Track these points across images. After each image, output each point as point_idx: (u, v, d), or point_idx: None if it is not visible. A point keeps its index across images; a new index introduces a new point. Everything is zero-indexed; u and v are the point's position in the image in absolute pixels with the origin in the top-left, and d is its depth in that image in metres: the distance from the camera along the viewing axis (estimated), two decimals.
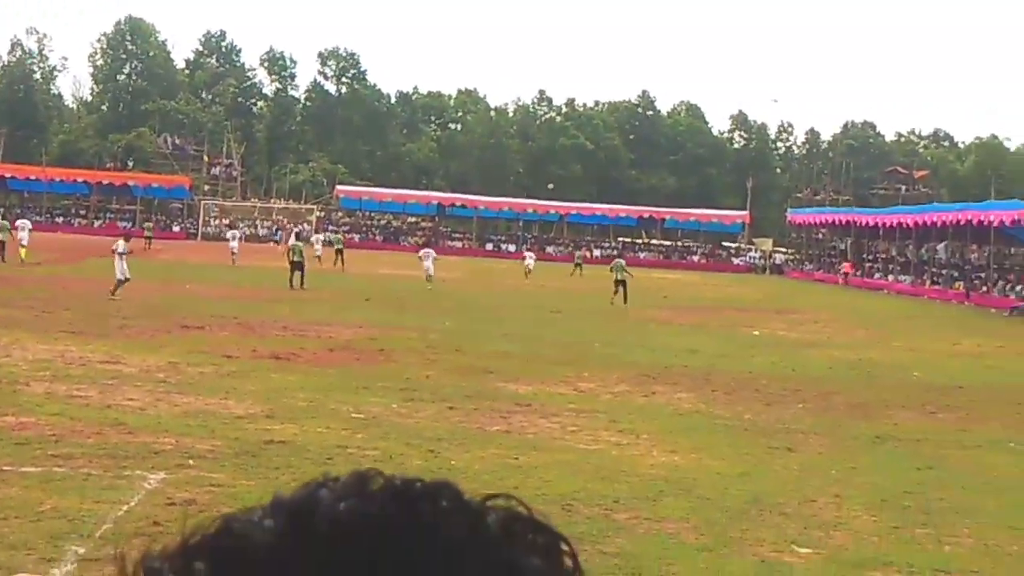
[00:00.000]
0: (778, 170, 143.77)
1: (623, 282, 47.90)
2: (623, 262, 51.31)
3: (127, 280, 36.58)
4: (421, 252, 57.53)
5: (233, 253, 64.59)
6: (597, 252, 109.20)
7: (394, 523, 0.77)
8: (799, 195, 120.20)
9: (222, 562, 0.76)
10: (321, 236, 75.91)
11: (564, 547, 0.82)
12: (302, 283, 45.13)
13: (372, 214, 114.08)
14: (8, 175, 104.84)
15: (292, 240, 55.98)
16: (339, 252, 63.68)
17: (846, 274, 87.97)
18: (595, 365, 25.71)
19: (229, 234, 73.60)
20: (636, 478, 14.66)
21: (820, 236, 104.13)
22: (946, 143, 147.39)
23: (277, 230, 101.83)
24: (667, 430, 18.32)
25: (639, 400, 21.50)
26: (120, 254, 37.16)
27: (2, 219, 53.95)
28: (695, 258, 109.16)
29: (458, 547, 0.76)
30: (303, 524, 0.77)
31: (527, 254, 76.94)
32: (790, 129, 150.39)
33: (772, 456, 16.80)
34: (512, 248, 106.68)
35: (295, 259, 46.05)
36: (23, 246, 51.87)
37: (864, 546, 12.20)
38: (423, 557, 0.75)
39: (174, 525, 9.51)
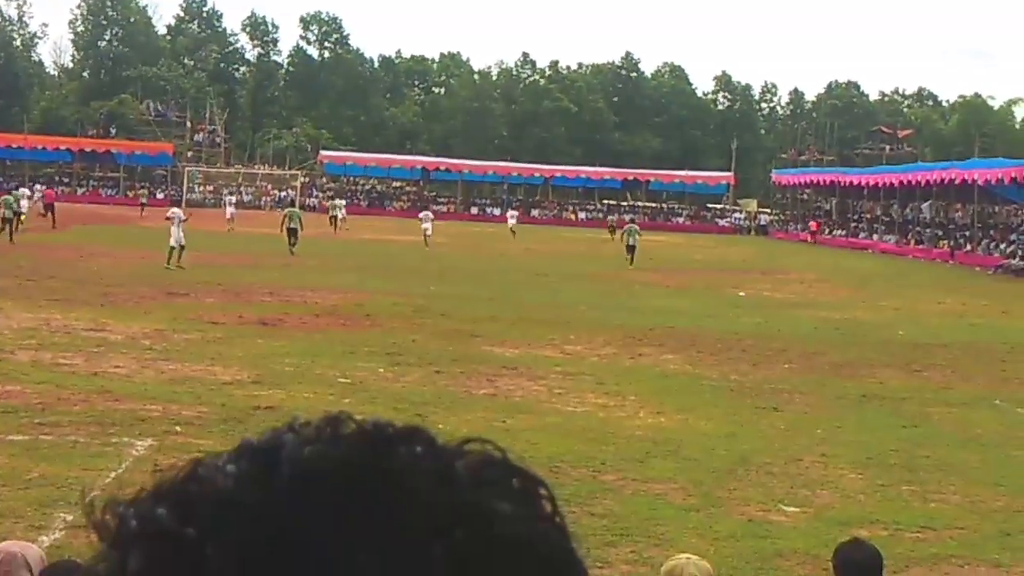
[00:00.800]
0: (762, 131, 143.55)
1: (633, 247, 49.74)
2: (636, 227, 53.39)
3: (183, 248, 36.85)
4: (421, 215, 61.43)
5: (230, 219, 64.72)
6: (582, 215, 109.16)
7: (360, 468, 0.76)
8: (783, 156, 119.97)
9: (183, 507, 0.75)
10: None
11: (542, 491, 0.81)
12: (293, 247, 45.66)
13: (356, 179, 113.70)
14: None
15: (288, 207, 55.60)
16: (332, 219, 62.44)
17: (813, 232, 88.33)
18: (581, 327, 25.74)
19: (226, 199, 75.06)
20: (623, 440, 14.72)
21: (805, 196, 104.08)
22: (930, 102, 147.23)
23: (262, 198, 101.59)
24: (654, 391, 18.38)
25: (626, 362, 21.55)
26: (181, 220, 37.69)
27: (10, 194, 51.80)
28: (680, 220, 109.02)
29: (425, 492, 0.76)
30: (266, 468, 0.76)
31: (510, 213, 79.49)
32: (774, 90, 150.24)
33: (758, 416, 16.87)
34: (497, 212, 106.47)
35: (292, 225, 46.88)
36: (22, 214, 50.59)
37: (850, 504, 12.28)
38: (388, 502, 0.74)
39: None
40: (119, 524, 0.77)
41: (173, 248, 36.77)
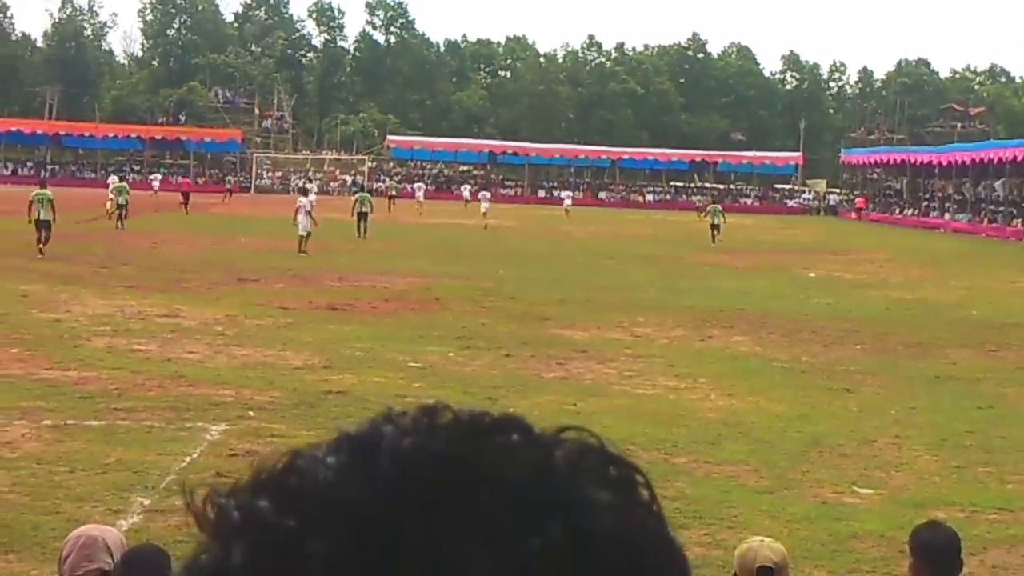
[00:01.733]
0: (831, 110, 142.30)
1: (717, 226, 51.80)
2: (720, 207, 55.61)
3: (309, 235, 38.01)
4: (480, 195, 66.22)
5: (312, 204, 64.92)
6: (650, 196, 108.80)
7: (458, 459, 0.76)
8: (853, 135, 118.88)
9: (285, 499, 0.76)
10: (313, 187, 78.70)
11: (639, 479, 0.80)
12: (366, 232, 46.38)
13: (424, 163, 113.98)
14: (62, 132, 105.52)
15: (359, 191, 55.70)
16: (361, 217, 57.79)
17: (860, 209, 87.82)
18: (650, 310, 25.67)
19: (309, 185, 78.86)
20: (694, 422, 14.68)
21: (875, 176, 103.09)
22: (1003, 78, 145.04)
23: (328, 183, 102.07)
24: (724, 373, 18.30)
25: (695, 344, 21.47)
26: (308, 211, 38.83)
27: (120, 180, 53.22)
28: (748, 201, 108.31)
29: (524, 483, 0.75)
30: (366, 461, 0.76)
31: (565, 194, 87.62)
32: (843, 68, 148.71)
33: (830, 397, 16.76)
34: (564, 195, 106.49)
35: (363, 210, 47.59)
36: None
37: (925, 486, 12.17)
38: (486, 494, 0.75)
39: (237, 476, 9.66)
40: (220, 515, 0.77)
41: (303, 236, 37.88)
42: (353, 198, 52.34)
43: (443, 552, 0.73)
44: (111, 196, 49.42)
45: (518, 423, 0.80)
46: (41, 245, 32.83)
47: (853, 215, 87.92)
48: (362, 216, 47.20)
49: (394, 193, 76.65)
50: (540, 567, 0.73)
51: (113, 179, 55.60)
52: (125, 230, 44.57)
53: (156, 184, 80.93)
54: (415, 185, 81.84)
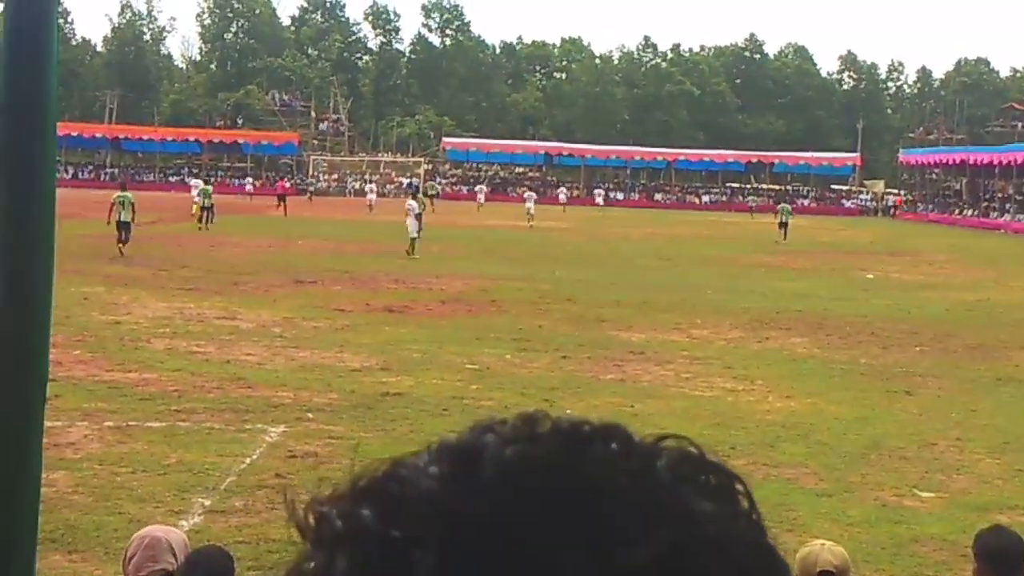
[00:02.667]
0: (889, 110, 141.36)
1: (786, 224, 56.05)
2: (789, 207, 61.69)
3: (417, 237, 38.75)
4: (525, 195, 68.08)
5: (371, 204, 71.39)
6: (706, 198, 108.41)
7: (561, 468, 0.75)
8: (911, 135, 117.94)
9: (388, 508, 0.76)
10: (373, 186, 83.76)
11: (739, 487, 0.80)
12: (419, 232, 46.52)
13: (479, 165, 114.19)
14: (122, 136, 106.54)
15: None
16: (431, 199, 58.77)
17: (895, 207, 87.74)
18: (707, 312, 25.58)
19: (367, 187, 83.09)
20: (753, 424, 14.61)
21: (933, 176, 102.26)
22: None
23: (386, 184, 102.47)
24: (782, 375, 18.21)
25: (753, 346, 21.37)
26: (417, 214, 39.75)
27: (206, 184, 54.79)
28: (805, 202, 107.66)
29: (627, 492, 0.75)
30: (469, 470, 0.76)
31: (597, 192, 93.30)
32: (901, 68, 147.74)
33: (890, 400, 16.63)
34: (620, 196, 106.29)
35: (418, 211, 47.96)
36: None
37: (987, 489, 12.05)
38: (590, 505, 0.74)
39: (296, 477, 9.66)
40: (322, 523, 0.78)
41: (413, 239, 38.59)
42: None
43: (549, 563, 0.72)
44: (195, 199, 51.24)
45: (618, 431, 0.79)
46: (121, 245, 34.10)
47: (893, 213, 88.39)
48: (417, 217, 47.53)
49: (433, 193, 78.00)
50: None
51: (198, 183, 57.43)
52: (210, 232, 46.14)
53: (249, 187, 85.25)
54: (477, 188, 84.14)
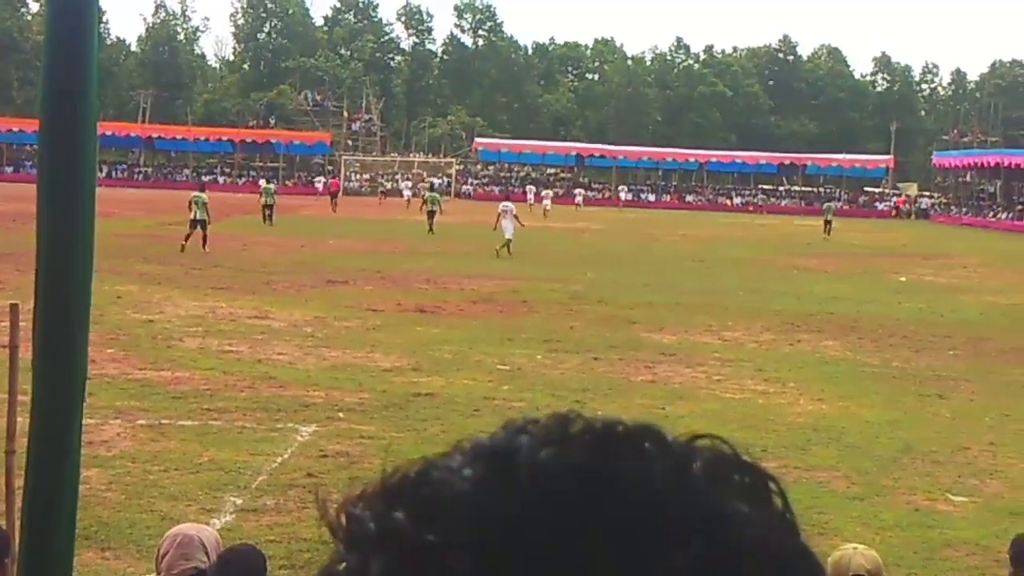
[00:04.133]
0: (923, 113, 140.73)
1: (830, 222, 61.73)
2: (834, 206, 69.90)
3: (512, 239, 39.84)
4: (542, 193, 64.77)
5: (408, 200, 75.66)
6: (738, 200, 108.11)
7: (596, 470, 0.75)
8: (945, 138, 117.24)
9: (421, 510, 0.75)
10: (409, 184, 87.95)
11: (773, 488, 0.79)
12: (432, 229, 50.26)
13: (511, 166, 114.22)
14: (155, 135, 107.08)
15: (427, 191, 58.86)
16: (430, 215, 53.96)
17: (898, 207, 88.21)
18: (739, 314, 25.51)
19: (403, 185, 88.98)
20: (784, 427, 14.56)
21: (967, 179, 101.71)
22: None
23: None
24: (814, 378, 18.14)
25: (785, 348, 21.31)
26: (514, 215, 41.10)
27: (268, 183, 59.54)
28: (838, 204, 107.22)
29: (663, 495, 0.74)
30: (503, 472, 0.76)
31: (621, 191, 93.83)
32: (935, 70, 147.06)
33: (923, 404, 16.55)
34: (652, 198, 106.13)
35: (431, 208, 52.36)
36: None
37: (1021, 494, 11.98)
38: (626, 506, 0.74)
39: (328, 477, 9.67)
40: (355, 525, 0.77)
41: (508, 240, 39.66)
42: (424, 198, 56.61)
43: (587, 568, 0.72)
44: (261, 199, 54.60)
45: (652, 432, 0.79)
46: (185, 242, 36.16)
47: (892, 214, 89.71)
48: (430, 214, 51.64)
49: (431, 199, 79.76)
50: None
51: (262, 182, 62.55)
52: (274, 227, 49.85)
53: (320, 186, 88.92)
54: (543, 192, 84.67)
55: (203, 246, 36.11)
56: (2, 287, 24.22)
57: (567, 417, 0.80)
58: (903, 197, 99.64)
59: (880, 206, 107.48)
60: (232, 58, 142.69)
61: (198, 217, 37.04)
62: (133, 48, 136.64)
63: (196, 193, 38.59)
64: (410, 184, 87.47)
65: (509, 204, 41.91)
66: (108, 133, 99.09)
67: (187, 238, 36.43)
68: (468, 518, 0.74)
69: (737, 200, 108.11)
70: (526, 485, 0.75)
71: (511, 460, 0.77)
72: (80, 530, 3.34)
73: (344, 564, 0.78)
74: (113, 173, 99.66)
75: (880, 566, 5.58)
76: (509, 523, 0.73)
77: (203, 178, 61.94)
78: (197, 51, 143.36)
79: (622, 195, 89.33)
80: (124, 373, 16.12)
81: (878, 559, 5.62)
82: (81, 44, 2.62)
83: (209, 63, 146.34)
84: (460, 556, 0.72)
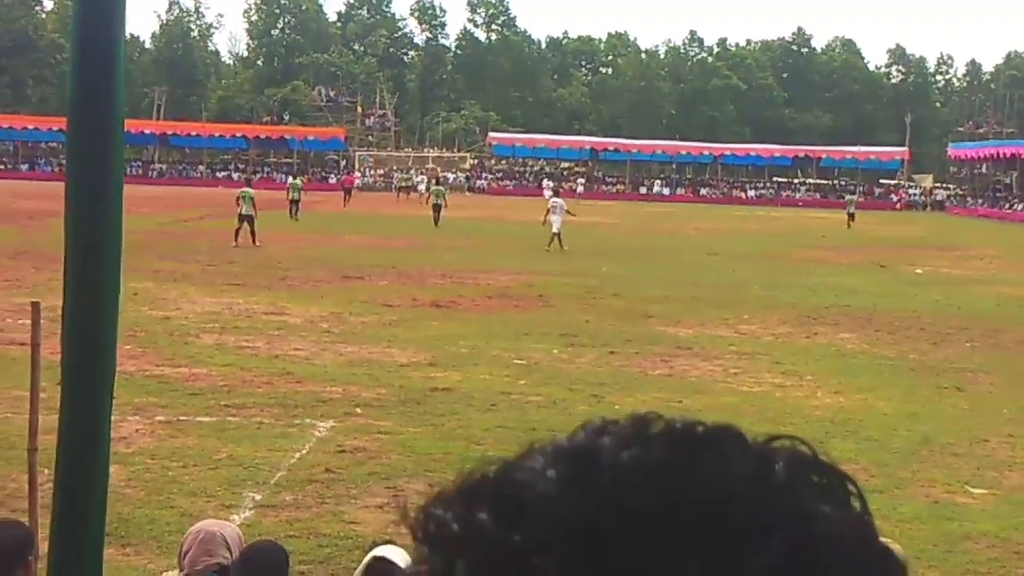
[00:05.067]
0: (938, 104, 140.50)
1: (852, 214, 65.09)
2: (855, 198, 72.85)
3: (559, 233, 40.27)
4: (549, 202, 47.98)
5: (422, 194, 77.16)
6: (752, 193, 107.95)
7: (679, 472, 0.75)
8: (960, 129, 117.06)
9: (506, 511, 0.75)
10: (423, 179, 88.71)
11: (852, 488, 0.79)
12: (438, 222, 50.68)
13: (525, 160, 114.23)
14: (170, 132, 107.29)
15: (433, 185, 59.00)
16: (436, 208, 53.93)
17: (900, 198, 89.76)
18: (755, 307, 25.48)
19: (418, 179, 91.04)
20: (801, 420, 14.53)
21: (983, 171, 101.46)
22: None
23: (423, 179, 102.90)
24: (831, 371, 18.11)
25: (801, 341, 21.27)
26: (566, 209, 41.62)
27: (295, 179, 60.38)
28: (853, 197, 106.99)
29: (746, 496, 0.75)
30: (586, 474, 0.76)
31: (546, 183, 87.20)
32: (950, 62, 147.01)
33: (941, 396, 16.51)
34: (666, 191, 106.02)
35: (436, 202, 53.30)
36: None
37: None
38: (712, 509, 0.74)
39: (346, 472, 9.68)
40: (438, 527, 0.78)
41: (556, 234, 40.03)
42: (429, 192, 58.75)
43: (669, 570, 0.72)
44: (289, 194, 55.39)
45: (731, 433, 0.79)
46: (252, 238, 37.40)
47: (897, 206, 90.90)
48: (436, 208, 52.48)
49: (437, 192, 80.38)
50: None
51: (289, 179, 63.51)
52: (298, 221, 50.90)
53: (358, 182, 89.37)
54: (579, 182, 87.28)
55: (252, 241, 37.04)
56: (20, 284, 24.33)
57: (647, 418, 0.81)
58: (903, 189, 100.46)
59: (895, 198, 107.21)
60: (246, 54, 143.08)
61: (245, 212, 38.11)
62: (147, 45, 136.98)
63: (243, 189, 39.75)
64: (424, 180, 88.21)
65: (559, 200, 42.24)
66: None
67: (236, 233, 37.46)
68: (553, 519, 0.74)
69: (751, 193, 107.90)
70: (609, 486, 0.75)
71: (594, 461, 0.77)
72: None
73: (427, 565, 0.78)
74: (128, 170, 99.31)
75: (905, 559, 5.57)
76: (593, 525, 0.73)
77: (251, 176, 62.54)
78: (211, 48, 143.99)
79: (642, 190, 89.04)
80: (142, 370, 16.15)
81: (901, 551, 5.60)
82: (109, 43, 2.63)
83: (223, 59, 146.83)
84: (546, 557, 0.73)
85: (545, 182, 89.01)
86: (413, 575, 0.78)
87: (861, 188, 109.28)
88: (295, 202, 53.89)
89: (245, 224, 37.84)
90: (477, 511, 0.76)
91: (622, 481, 0.75)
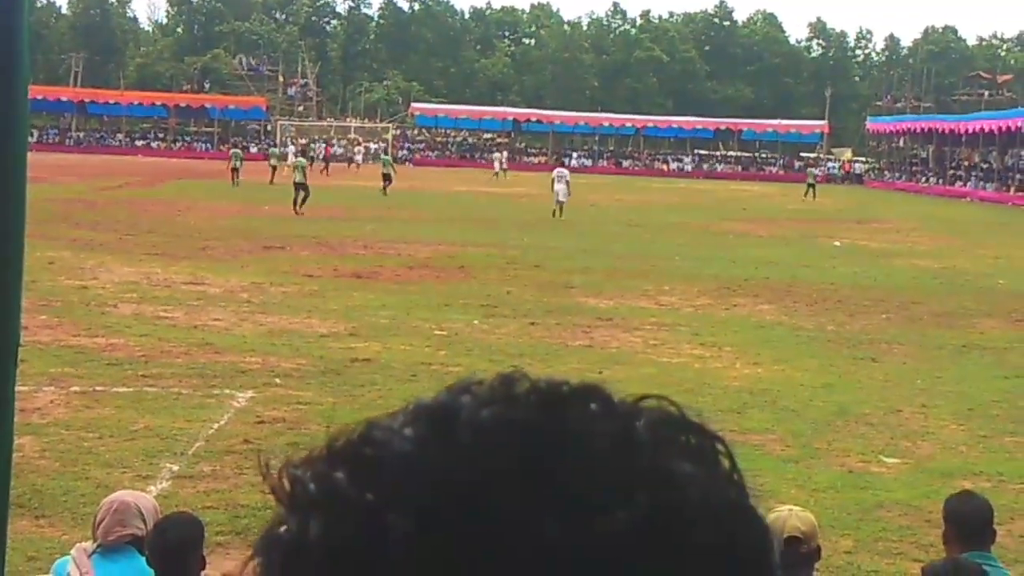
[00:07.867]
0: (857, 78, 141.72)
1: (813, 186, 67.29)
2: (816, 171, 76.39)
3: (564, 202, 42.81)
4: (554, 172, 48.20)
5: (357, 165, 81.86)
6: (674, 165, 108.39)
7: (539, 430, 0.74)
8: (879, 103, 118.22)
9: (362, 470, 0.74)
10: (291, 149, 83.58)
11: (720, 447, 0.78)
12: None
13: (448, 131, 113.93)
14: (87, 99, 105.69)
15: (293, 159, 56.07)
16: (385, 176, 55.99)
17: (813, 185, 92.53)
18: (676, 278, 25.63)
19: (355, 150, 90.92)
20: (720, 391, 14.67)
21: (900, 145, 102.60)
22: None
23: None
24: (750, 342, 18.28)
25: (721, 313, 21.44)
26: (567, 180, 43.91)
27: (235, 148, 63.70)
28: (773, 169, 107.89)
29: (609, 455, 0.74)
30: (444, 432, 0.75)
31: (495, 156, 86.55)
32: (869, 36, 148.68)
33: (856, 367, 16.72)
34: (589, 163, 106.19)
35: (384, 171, 55.30)
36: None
37: (952, 455, 12.15)
38: (568, 466, 0.73)
39: (265, 442, 9.63)
40: (296, 487, 0.76)
41: (561, 202, 42.59)
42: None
43: (528, 527, 0.71)
44: (291, 164, 54.91)
45: (597, 391, 0.78)
46: (297, 207, 39.75)
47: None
48: (385, 176, 54.39)
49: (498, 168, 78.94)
50: (628, 542, 0.72)
51: (232, 149, 64.58)
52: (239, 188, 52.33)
53: (359, 158, 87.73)
54: (494, 156, 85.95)
55: (295, 210, 39.27)
56: None
57: (512, 377, 0.79)
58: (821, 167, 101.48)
59: (814, 171, 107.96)
60: (165, 21, 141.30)
61: (299, 180, 40.79)
62: (64, 11, 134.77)
63: (298, 158, 43.32)
64: (361, 150, 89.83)
65: (564, 170, 44.42)
66: (39, 97, 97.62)
67: (295, 203, 39.89)
68: (408, 477, 0.73)
69: (673, 165, 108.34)
70: (468, 445, 0.74)
71: (452, 419, 0.76)
72: (13, 498, 3.31)
73: (285, 526, 0.77)
74: (44, 138, 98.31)
75: (815, 527, 5.64)
76: (450, 482, 0.72)
77: (242, 144, 63.78)
78: (130, 14, 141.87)
79: (564, 161, 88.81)
80: (57, 340, 15.97)
81: (813, 520, 5.68)
82: (9, 6, 2.58)
83: (142, 26, 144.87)
84: (400, 516, 0.72)
85: (495, 154, 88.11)
86: (271, 538, 0.77)
87: (781, 161, 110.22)
88: (235, 170, 55.60)
89: (301, 192, 40.19)
90: (334, 471, 0.75)
91: (481, 438, 0.74)
